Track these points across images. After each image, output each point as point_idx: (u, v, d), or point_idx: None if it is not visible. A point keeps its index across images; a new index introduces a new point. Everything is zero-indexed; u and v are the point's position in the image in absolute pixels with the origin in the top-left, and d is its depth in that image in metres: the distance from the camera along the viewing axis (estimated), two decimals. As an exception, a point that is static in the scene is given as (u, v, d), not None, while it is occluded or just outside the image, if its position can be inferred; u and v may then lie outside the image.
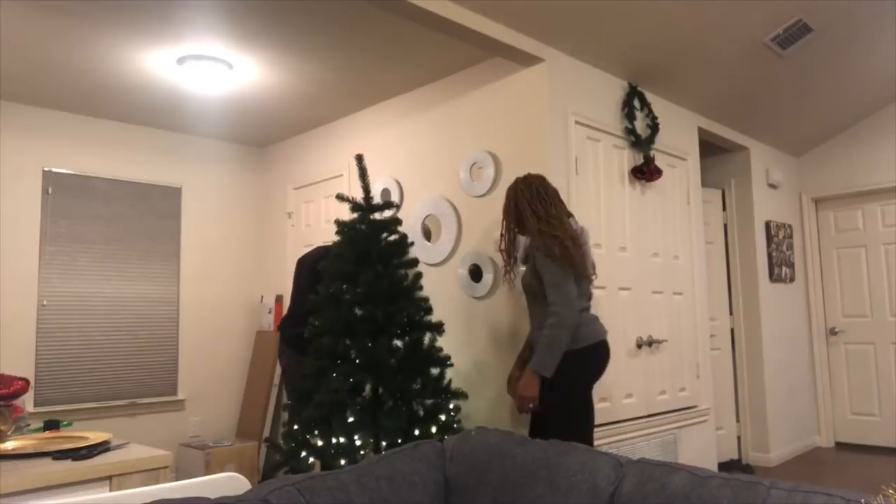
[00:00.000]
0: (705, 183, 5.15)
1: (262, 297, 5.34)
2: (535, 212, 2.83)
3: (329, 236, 3.78)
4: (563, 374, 2.69)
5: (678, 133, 4.44)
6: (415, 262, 3.28)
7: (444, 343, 3.31)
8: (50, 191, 4.45)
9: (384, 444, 3.00)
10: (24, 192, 4.35)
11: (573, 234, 2.81)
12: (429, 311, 3.29)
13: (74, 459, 1.79)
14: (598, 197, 3.74)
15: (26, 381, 2.10)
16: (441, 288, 3.80)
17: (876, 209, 5.56)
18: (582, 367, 2.78)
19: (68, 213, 4.51)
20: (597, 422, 3.49)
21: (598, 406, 3.55)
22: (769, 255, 5.34)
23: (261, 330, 5.30)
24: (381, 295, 3.10)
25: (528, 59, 3.49)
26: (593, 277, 2.93)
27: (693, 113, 4.64)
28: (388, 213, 3.37)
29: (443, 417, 3.12)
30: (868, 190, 5.55)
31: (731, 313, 5.28)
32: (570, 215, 2.96)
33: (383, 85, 4.17)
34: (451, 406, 3.16)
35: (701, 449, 4.23)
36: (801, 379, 5.61)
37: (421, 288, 3.30)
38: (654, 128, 4.09)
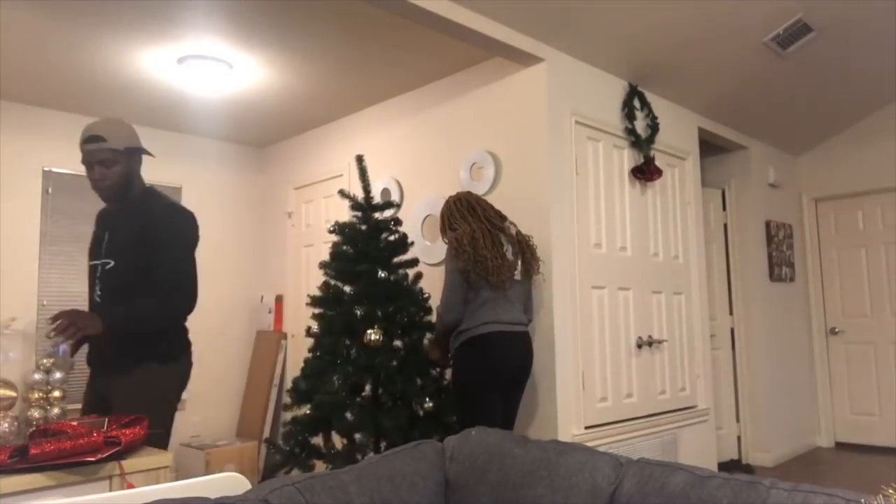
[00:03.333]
0: (705, 183, 5.16)
1: (262, 297, 5.34)
2: (448, 226, 3.11)
3: (329, 236, 3.78)
4: (457, 360, 3.00)
5: (678, 133, 4.44)
6: (415, 261, 3.29)
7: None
8: (50, 191, 4.45)
9: (384, 444, 3.00)
10: (24, 192, 4.35)
11: (479, 238, 2.98)
12: (429, 310, 3.29)
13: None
14: (598, 197, 3.74)
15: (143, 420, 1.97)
16: (441, 288, 3.80)
17: (876, 209, 5.56)
18: (470, 355, 2.94)
19: (68, 213, 4.50)
20: (597, 422, 3.51)
21: (599, 406, 3.55)
22: (769, 255, 5.34)
23: (261, 330, 5.30)
24: (382, 295, 3.10)
25: (527, 59, 3.49)
26: (517, 277, 3.05)
27: (693, 113, 4.64)
28: (388, 213, 3.37)
29: (443, 417, 3.13)
30: (868, 190, 5.55)
31: (731, 313, 5.28)
32: (503, 219, 3.14)
33: (383, 85, 4.17)
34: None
35: (701, 449, 4.23)
36: (801, 379, 5.61)
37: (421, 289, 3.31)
38: (654, 128, 4.09)
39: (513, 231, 3.13)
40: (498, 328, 2.92)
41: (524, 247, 3.12)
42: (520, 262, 3.08)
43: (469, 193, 3.20)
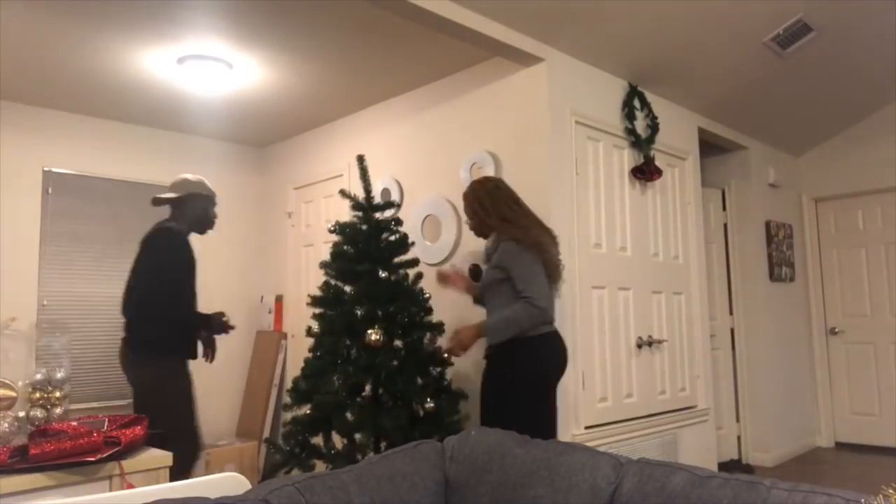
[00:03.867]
0: (705, 183, 5.15)
1: (262, 297, 5.34)
2: (499, 213, 2.89)
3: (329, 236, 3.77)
4: (506, 362, 2.75)
5: (678, 133, 4.44)
6: (415, 261, 3.29)
7: (445, 343, 3.32)
8: (50, 191, 4.45)
9: (384, 444, 3.00)
10: (24, 192, 4.35)
11: (544, 234, 2.88)
12: (429, 310, 3.29)
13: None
14: (598, 197, 3.74)
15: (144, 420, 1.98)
16: (441, 288, 3.80)
17: (876, 209, 5.56)
18: (537, 356, 2.78)
19: (68, 213, 4.50)
20: (597, 422, 3.51)
21: (599, 406, 3.55)
22: (769, 255, 5.34)
23: (261, 330, 5.30)
24: (382, 294, 3.10)
25: (527, 59, 3.49)
26: (561, 281, 2.98)
27: (693, 113, 4.64)
28: (388, 213, 3.37)
29: (443, 417, 3.13)
30: (868, 190, 5.55)
31: (731, 313, 5.28)
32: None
33: (383, 85, 4.17)
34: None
35: (701, 449, 4.23)
36: (801, 379, 5.61)
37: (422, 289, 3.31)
38: (654, 128, 4.09)
39: None
40: (551, 329, 2.83)
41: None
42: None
43: (503, 181, 3.05)
